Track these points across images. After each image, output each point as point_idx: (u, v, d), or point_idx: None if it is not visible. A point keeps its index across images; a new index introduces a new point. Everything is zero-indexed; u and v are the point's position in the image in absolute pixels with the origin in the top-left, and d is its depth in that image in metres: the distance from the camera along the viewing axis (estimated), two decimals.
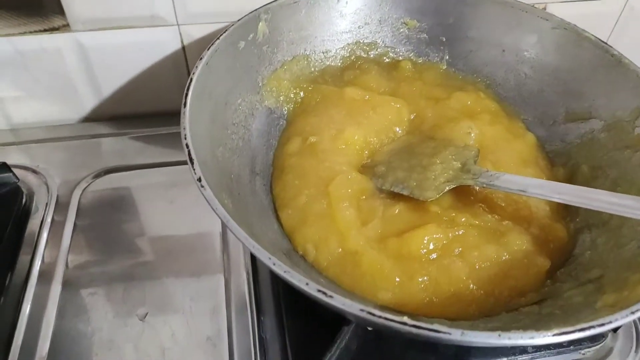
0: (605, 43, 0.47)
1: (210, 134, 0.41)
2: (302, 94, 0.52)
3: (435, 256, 0.38)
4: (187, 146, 0.35)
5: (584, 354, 0.42)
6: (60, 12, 0.53)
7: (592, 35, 0.48)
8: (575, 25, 0.49)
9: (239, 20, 0.47)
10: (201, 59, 0.42)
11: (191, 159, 0.34)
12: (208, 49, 0.43)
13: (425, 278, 0.37)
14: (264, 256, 0.29)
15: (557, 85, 0.51)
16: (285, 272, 0.28)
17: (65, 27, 0.54)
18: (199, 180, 0.33)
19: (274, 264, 0.29)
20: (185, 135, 0.36)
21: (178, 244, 0.50)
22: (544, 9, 0.63)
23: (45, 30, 0.54)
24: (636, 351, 0.43)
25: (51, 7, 0.53)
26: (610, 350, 0.43)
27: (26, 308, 0.44)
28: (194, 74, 0.41)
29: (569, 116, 0.50)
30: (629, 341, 0.44)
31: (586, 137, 0.48)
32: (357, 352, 0.40)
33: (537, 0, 0.62)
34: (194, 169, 0.34)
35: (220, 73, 0.44)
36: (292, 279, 0.28)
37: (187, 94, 0.39)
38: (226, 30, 0.45)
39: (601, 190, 0.37)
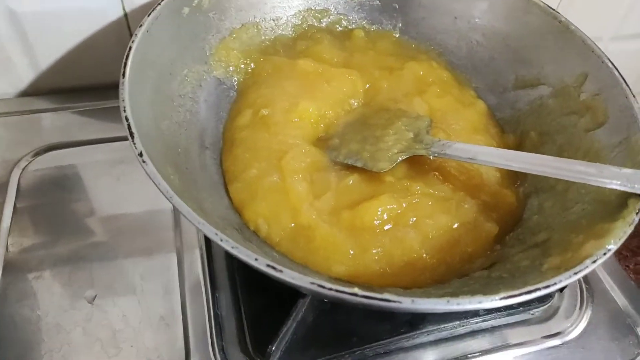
0: (553, 9, 0.47)
1: (154, 106, 0.39)
2: (252, 64, 0.50)
3: (389, 227, 0.38)
4: (127, 119, 0.33)
5: (532, 314, 0.44)
6: None
7: (541, 1, 0.48)
8: None
9: None
10: (141, 26, 0.40)
11: (131, 133, 0.32)
12: (148, 16, 0.41)
13: (379, 249, 0.37)
14: (210, 231, 0.28)
15: (507, 52, 0.51)
16: (232, 247, 0.28)
17: None
18: (140, 155, 0.31)
19: (221, 240, 0.28)
20: (124, 107, 0.34)
21: (127, 223, 0.48)
22: None
23: None
24: (580, 309, 0.45)
25: None
26: (557, 309, 0.45)
27: None
28: (133, 42, 0.39)
29: (518, 83, 0.50)
30: (574, 300, 0.46)
31: (535, 103, 0.48)
32: (313, 324, 0.40)
33: None
34: (134, 143, 0.32)
35: (162, 42, 0.42)
36: (240, 254, 0.27)
37: (125, 64, 0.37)
38: None
39: (546, 156, 0.37)
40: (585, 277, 0.48)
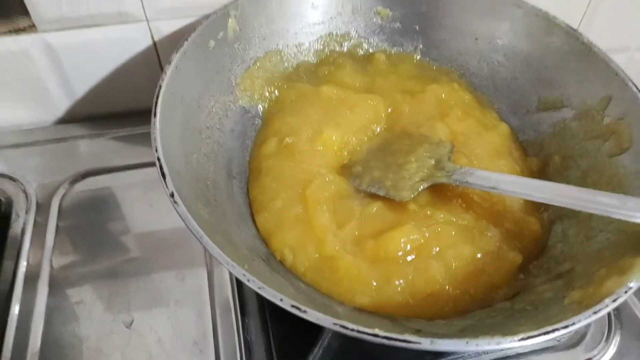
0: (575, 30, 0.47)
1: (184, 141, 0.41)
2: (276, 92, 0.52)
3: (412, 257, 0.39)
4: (159, 159, 0.35)
5: (559, 340, 0.44)
6: (25, 12, 0.52)
7: (563, 22, 0.48)
8: (546, 12, 0.49)
9: (207, 18, 0.46)
10: (169, 63, 0.42)
11: (163, 173, 0.34)
12: (176, 52, 0.43)
13: (402, 281, 0.38)
14: (238, 273, 0.30)
15: (529, 73, 0.51)
16: (259, 288, 0.29)
17: (32, 28, 0.53)
18: (172, 195, 0.33)
19: (248, 280, 0.29)
20: (156, 147, 0.36)
21: (160, 241, 0.50)
22: None
23: (10, 32, 0.53)
24: (608, 335, 0.45)
25: (15, 8, 0.51)
26: (584, 335, 0.45)
27: (14, 312, 0.44)
28: (162, 80, 0.40)
29: (541, 105, 0.50)
30: (602, 326, 0.45)
31: (558, 126, 0.48)
32: (339, 350, 0.41)
33: None
34: (166, 184, 0.34)
35: (190, 76, 0.44)
36: (267, 294, 0.29)
37: (156, 103, 0.39)
38: (194, 30, 0.45)
39: (568, 187, 0.38)
40: None
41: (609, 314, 0.46)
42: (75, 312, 0.45)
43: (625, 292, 0.30)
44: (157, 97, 0.39)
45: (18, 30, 0.53)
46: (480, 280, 0.39)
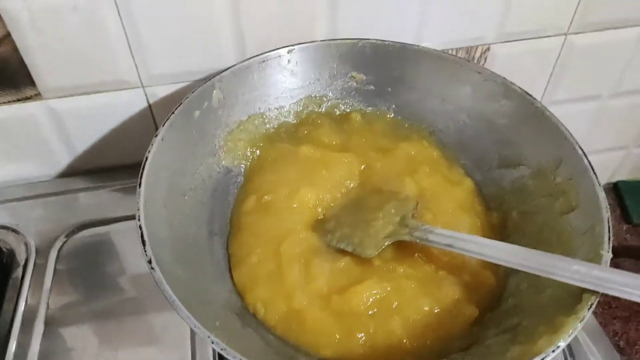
0: (530, 95, 0.51)
1: (167, 205, 0.45)
2: (258, 152, 0.56)
3: (374, 311, 0.42)
4: (140, 227, 0.39)
5: None
6: (32, 83, 0.57)
7: (519, 87, 0.52)
8: (504, 78, 0.53)
9: (193, 91, 0.51)
10: (156, 135, 0.46)
11: (143, 241, 0.38)
12: (163, 125, 0.47)
13: (363, 335, 0.41)
14: (203, 334, 0.33)
15: (490, 132, 0.55)
16: (222, 349, 0.33)
17: (37, 96, 0.58)
18: (149, 262, 0.37)
19: (212, 342, 0.33)
20: (138, 216, 0.40)
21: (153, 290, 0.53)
22: (488, 49, 0.67)
23: (18, 100, 0.58)
24: None
25: (22, 80, 0.57)
26: None
27: (11, 350, 0.48)
28: (149, 152, 0.44)
29: (501, 162, 0.54)
30: None
31: (517, 183, 0.52)
32: None
33: (480, 42, 0.66)
34: (145, 251, 0.38)
35: (176, 145, 0.48)
36: (229, 355, 0.32)
37: (142, 174, 0.43)
38: (181, 104, 0.49)
39: (518, 247, 0.41)
40: (569, 349, 0.50)
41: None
42: (68, 349, 0.49)
43: (553, 350, 0.33)
44: (143, 169, 0.43)
45: (25, 99, 0.58)
46: (437, 333, 0.42)
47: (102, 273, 0.56)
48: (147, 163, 0.43)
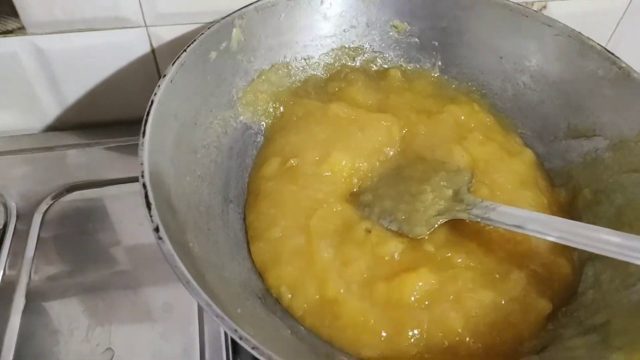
0: (612, 54, 0.43)
1: (176, 162, 0.37)
2: (282, 108, 0.48)
3: (427, 304, 0.34)
4: (144, 186, 0.31)
5: None
6: (14, 14, 0.48)
7: (598, 44, 0.44)
8: (580, 32, 0.45)
9: (209, 27, 0.42)
10: (164, 76, 0.38)
11: (148, 203, 0.30)
12: (173, 64, 0.39)
13: (416, 332, 0.33)
14: (229, 327, 0.25)
15: (558, 97, 0.47)
16: (253, 348, 0.25)
17: (21, 30, 0.50)
18: (156, 230, 0.29)
19: (241, 338, 0.25)
20: (142, 172, 0.32)
21: (147, 263, 0.46)
22: (544, 7, 0.58)
23: None
24: None
25: (3, 9, 0.48)
26: None
27: None
28: (155, 94, 0.36)
29: (570, 132, 0.46)
30: None
31: (589, 156, 0.44)
32: None
33: None
34: (151, 216, 0.29)
35: (188, 90, 0.40)
36: (262, 356, 0.24)
37: (146, 121, 0.34)
38: (194, 41, 0.41)
39: (608, 230, 0.33)
40: None
41: None
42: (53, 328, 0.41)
43: None
44: (148, 114, 0.35)
45: (6, 32, 0.49)
46: (505, 331, 0.34)
47: (93, 241, 0.48)
48: (153, 108, 0.35)
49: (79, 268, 0.46)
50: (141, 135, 0.34)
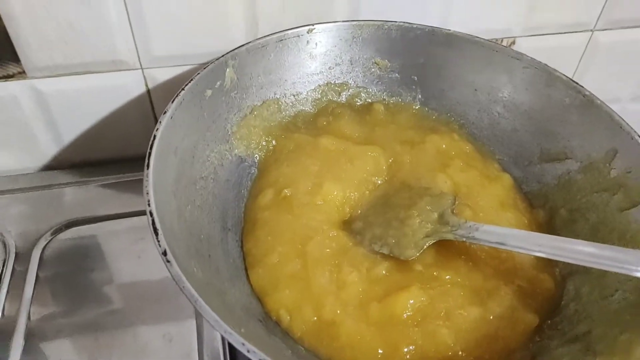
0: (577, 83, 0.47)
1: (177, 193, 0.39)
2: (274, 141, 0.50)
3: (419, 320, 0.36)
4: (151, 214, 0.33)
5: None
6: (15, 59, 0.50)
7: (563, 75, 0.48)
8: (546, 64, 0.49)
9: (204, 67, 0.45)
10: (165, 112, 0.40)
11: (155, 230, 0.32)
12: (172, 102, 0.41)
13: (411, 347, 0.35)
14: (236, 341, 0.27)
15: (530, 124, 0.50)
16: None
17: (21, 74, 0.52)
18: (164, 253, 0.31)
19: (248, 351, 0.27)
20: (148, 201, 0.33)
21: (146, 297, 0.47)
22: (513, 42, 0.63)
23: None
24: None
25: (5, 55, 0.50)
26: None
27: None
28: (157, 130, 0.38)
29: (543, 156, 0.49)
30: None
31: (563, 178, 0.47)
32: None
33: (505, 34, 0.62)
34: (159, 241, 0.31)
35: (186, 126, 0.42)
36: None
37: (150, 154, 0.37)
38: (192, 80, 0.43)
39: (585, 242, 0.36)
40: None
41: None
42: None
43: None
44: (151, 148, 0.37)
45: (7, 77, 0.51)
46: (495, 344, 0.36)
47: (91, 279, 0.49)
48: (155, 142, 0.37)
49: (78, 306, 0.46)
50: (145, 167, 0.36)
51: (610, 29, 0.65)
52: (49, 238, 0.52)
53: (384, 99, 0.56)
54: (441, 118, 0.54)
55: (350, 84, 0.55)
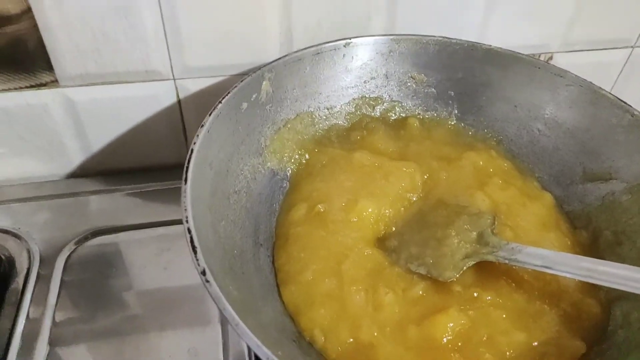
0: (624, 102, 0.45)
1: (212, 208, 0.38)
2: (307, 155, 0.49)
3: (460, 345, 0.35)
4: (189, 231, 0.32)
5: None
6: (49, 68, 0.50)
7: (609, 93, 0.46)
8: (591, 82, 0.47)
9: (241, 80, 0.44)
10: (202, 126, 0.39)
11: (194, 247, 0.31)
12: (210, 115, 0.40)
13: None
14: None
15: (573, 144, 0.48)
16: None
17: (54, 83, 0.52)
18: (203, 273, 0.30)
19: None
20: (186, 217, 0.32)
21: (172, 307, 0.46)
22: (551, 58, 0.62)
23: (31, 87, 0.51)
24: None
25: (39, 64, 0.50)
26: None
27: None
28: (194, 143, 0.38)
29: (587, 176, 0.47)
30: None
31: (607, 199, 0.45)
32: None
33: (543, 49, 0.61)
34: (197, 259, 0.30)
35: (222, 139, 0.41)
36: None
37: (187, 168, 0.36)
38: (229, 93, 0.43)
39: (632, 267, 0.34)
40: None
41: None
42: None
43: None
44: (189, 162, 0.36)
45: (39, 85, 0.51)
46: None
47: (116, 286, 0.48)
48: (193, 156, 0.36)
49: (102, 313, 0.46)
50: (183, 182, 0.35)
51: None
52: (74, 247, 0.51)
53: (419, 114, 0.54)
54: (478, 134, 0.53)
55: (385, 97, 0.54)
